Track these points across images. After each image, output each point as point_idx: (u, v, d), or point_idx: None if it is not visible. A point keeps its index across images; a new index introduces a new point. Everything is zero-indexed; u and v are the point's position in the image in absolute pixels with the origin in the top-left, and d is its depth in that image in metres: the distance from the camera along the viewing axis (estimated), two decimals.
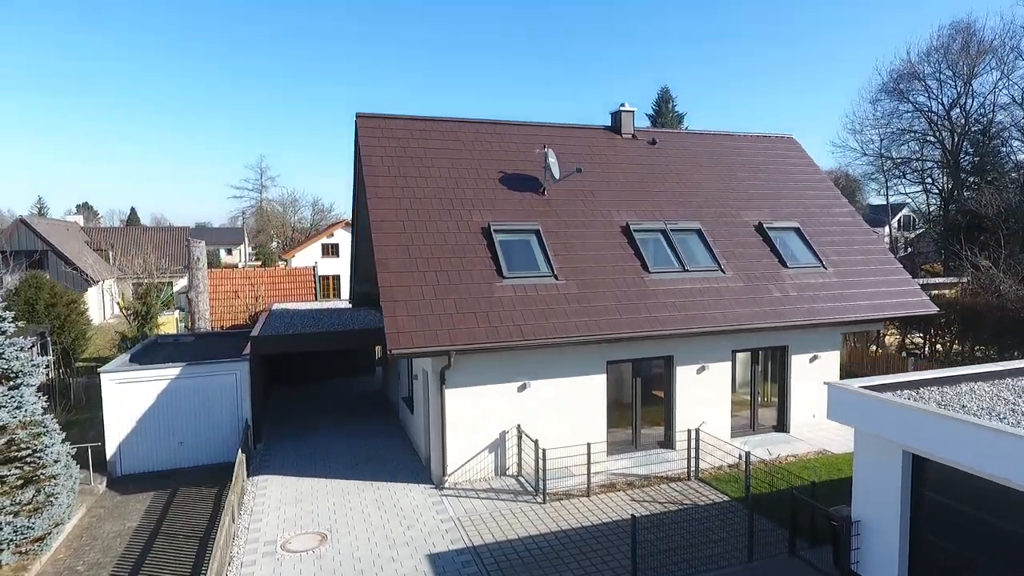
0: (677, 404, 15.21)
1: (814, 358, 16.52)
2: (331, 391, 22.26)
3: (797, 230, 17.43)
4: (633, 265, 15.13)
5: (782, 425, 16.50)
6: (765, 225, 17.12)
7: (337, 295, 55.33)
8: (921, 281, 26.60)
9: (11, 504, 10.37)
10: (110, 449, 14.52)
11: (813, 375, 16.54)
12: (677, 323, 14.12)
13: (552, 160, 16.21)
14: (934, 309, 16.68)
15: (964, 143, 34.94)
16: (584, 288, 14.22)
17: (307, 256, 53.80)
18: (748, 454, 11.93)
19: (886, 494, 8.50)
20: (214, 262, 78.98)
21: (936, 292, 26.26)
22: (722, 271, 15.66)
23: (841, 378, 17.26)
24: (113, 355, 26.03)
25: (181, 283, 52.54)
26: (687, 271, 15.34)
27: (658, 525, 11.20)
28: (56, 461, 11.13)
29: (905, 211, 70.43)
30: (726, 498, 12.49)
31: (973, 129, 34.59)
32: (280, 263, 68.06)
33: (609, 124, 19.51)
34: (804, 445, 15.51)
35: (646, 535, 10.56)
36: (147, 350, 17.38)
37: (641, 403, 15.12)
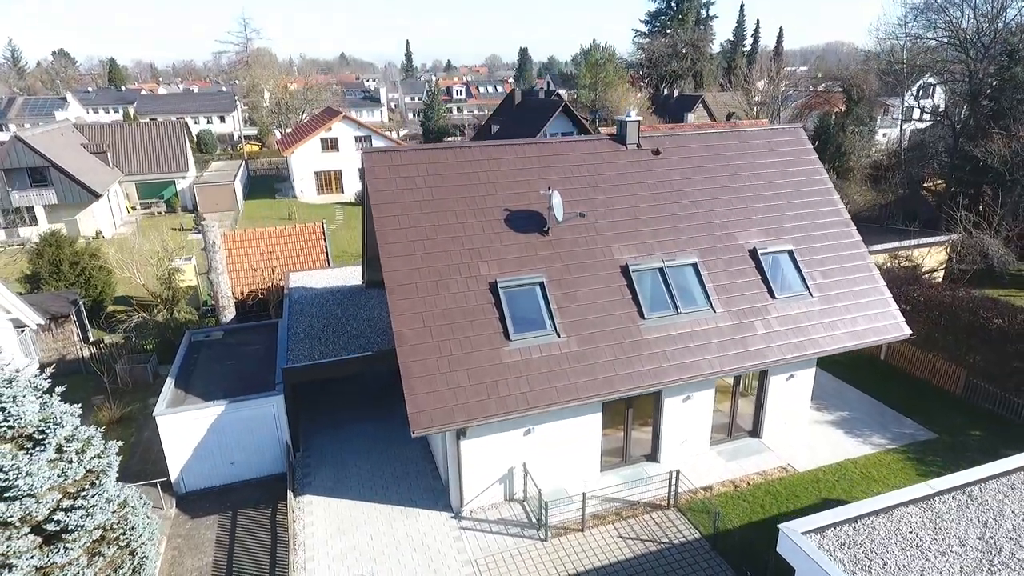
0: (664, 426, 17.35)
1: (790, 377, 18.32)
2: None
3: (789, 253, 18.22)
4: (629, 312, 16.31)
5: (756, 431, 18.75)
6: (759, 251, 17.90)
7: (340, 190, 55.65)
8: (912, 241, 27.45)
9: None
10: (173, 473, 16.93)
11: (789, 390, 18.49)
12: (667, 374, 15.70)
13: (556, 202, 16.63)
14: (907, 332, 18.06)
15: (987, 66, 33.29)
16: (584, 344, 15.59)
17: (307, 152, 53.19)
18: (717, 515, 14.22)
19: None
20: (207, 139, 77.37)
21: (927, 251, 27.22)
22: (713, 309, 16.85)
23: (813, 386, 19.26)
24: (136, 293, 27.65)
25: (182, 183, 52.70)
26: (680, 313, 16.55)
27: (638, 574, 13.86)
28: (143, 531, 13.45)
29: (928, 77, 66.95)
30: (697, 535, 15.03)
31: (998, 52, 32.75)
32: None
33: (615, 133, 19.37)
34: (773, 457, 17.88)
35: None
36: (186, 364, 19.12)
37: (631, 426, 17.24)
